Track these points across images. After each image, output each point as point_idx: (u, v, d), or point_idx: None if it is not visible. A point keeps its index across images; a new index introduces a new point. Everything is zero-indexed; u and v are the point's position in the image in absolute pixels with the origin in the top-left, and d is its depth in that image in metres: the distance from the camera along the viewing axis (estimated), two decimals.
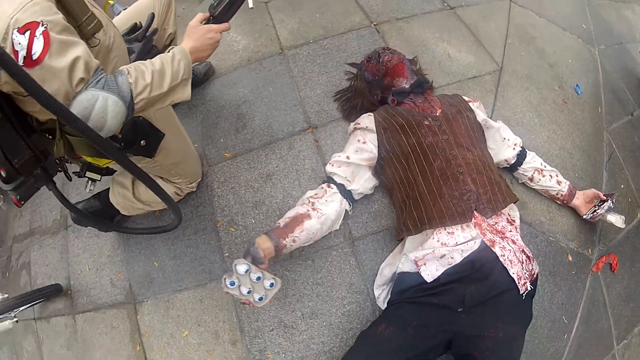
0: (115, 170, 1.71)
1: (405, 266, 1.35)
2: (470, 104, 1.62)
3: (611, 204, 1.62)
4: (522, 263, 1.29)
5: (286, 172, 1.79)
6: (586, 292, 1.74)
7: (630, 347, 1.80)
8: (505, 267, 1.25)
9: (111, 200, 1.80)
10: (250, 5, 1.38)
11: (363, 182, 1.54)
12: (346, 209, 1.52)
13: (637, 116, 2.36)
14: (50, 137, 1.33)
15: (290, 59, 2.08)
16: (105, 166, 1.50)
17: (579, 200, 1.69)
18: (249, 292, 1.22)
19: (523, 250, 1.33)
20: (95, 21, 1.17)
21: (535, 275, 1.35)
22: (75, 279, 2.15)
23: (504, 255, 1.26)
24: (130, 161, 1.18)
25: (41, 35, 0.99)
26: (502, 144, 1.62)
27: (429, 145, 1.40)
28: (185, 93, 1.25)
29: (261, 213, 1.75)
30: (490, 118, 1.72)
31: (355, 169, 1.53)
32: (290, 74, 2.03)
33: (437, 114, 1.50)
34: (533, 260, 1.35)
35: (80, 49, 1.05)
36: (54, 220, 2.37)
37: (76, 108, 1.04)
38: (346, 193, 1.50)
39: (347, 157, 1.52)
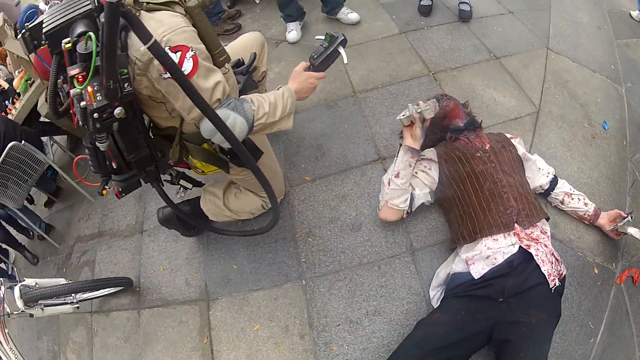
0: (203, 183, 1.95)
1: (458, 267, 1.73)
2: (512, 140, 2.00)
3: (630, 219, 1.89)
4: (552, 263, 1.63)
5: (359, 194, 2.15)
6: (610, 301, 1.92)
7: None
8: (538, 265, 1.60)
9: (202, 207, 2.04)
10: (345, 60, 1.73)
11: (423, 195, 1.94)
12: (407, 210, 1.94)
13: None
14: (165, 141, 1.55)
15: (362, 101, 2.53)
16: (209, 173, 1.73)
17: (604, 219, 1.98)
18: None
19: (553, 254, 1.67)
20: (225, 55, 1.40)
21: (563, 276, 1.68)
22: (146, 277, 2.36)
23: (537, 255, 1.61)
24: (255, 162, 1.46)
25: (191, 59, 1.20)
26: (538, 172, 1.99)
27: (480, 172, 1.79)
28: (289, 123, 1.55)
29: (336, 227, 2.09)
30: (529, 152, 2.08)
31: (419, 182, 1.94)
32: (362, 113, 2.47)
33: (487, 148, 1.89)
34: (561, 263, 1.69)
35: (220, 76, 1.30)
36: (127, 225, 2.63)
37: (208, 124, 1.27)
38: (411, 196, 1.92)
39: (415, 172, 1.94)
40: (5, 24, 3.45)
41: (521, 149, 2.00)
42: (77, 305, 2.23)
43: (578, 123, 2.44)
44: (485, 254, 1.65)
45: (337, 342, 1.83)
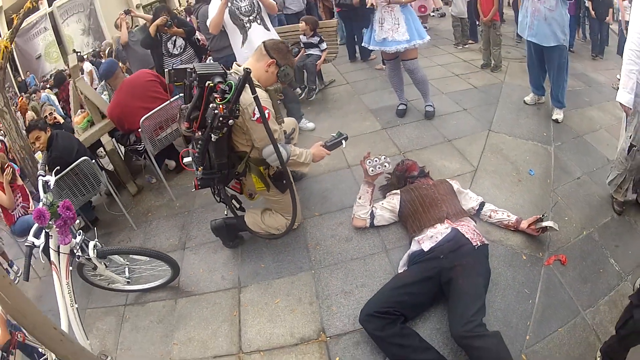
0: (244, 210, 2.98)
1: (414, 247, 2.67)
2: (449, 181, 3.10)
3: (542, 217, 2.73)
4: (474, 234, 2.56)
5: (350, 222, 3.10)
6: (542, 276, 2.57)
7: (599, 312, 2.47)
8: (462, 233, 2.54)
9: (245, 220, 2.98)
10: (344, 146, 2.93)
11: (383, 212, 3.04)
12: (369, 222, 3.05)
13: (582, 179, 3.58)
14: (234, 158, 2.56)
15: (354, 171, 3.77)
16: (259, 189, 2.73)
17: (524, 224, 2.86)
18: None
19: (474, 230, 2.61)
20: (281, 119, 2.65)
21: (485, 243, 2.57)
22: (187, 276, 3.00)
23: (462, 229, 2.56)
24: (289, 180, 2.65)
25: (267, 112, 2.29)
26: (469, 200, 3.03)
27: (424, 194, 2.88)
28: (306, 169, 2.84)
29: (335, 239, 3.06)
30: None
31: (383, 207, 3.06)
32: (354, 178, 3.68)
33: (430, 183, 3.03)
34: (482, 236, 2.59)
35: (278, 126, 2.49)
36: (170, 244, 3.34)
37: (269, 148, 2.39)
38: (372, 212, 3.04)
39: (382, 203, 3.08)
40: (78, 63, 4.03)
41: (456, 186, 3.05)
42: (128, 280, 2.79)
43: (507, 173, 3.53)
44: (430, 235, 2.63)
45: (336, 305, 2.60)
